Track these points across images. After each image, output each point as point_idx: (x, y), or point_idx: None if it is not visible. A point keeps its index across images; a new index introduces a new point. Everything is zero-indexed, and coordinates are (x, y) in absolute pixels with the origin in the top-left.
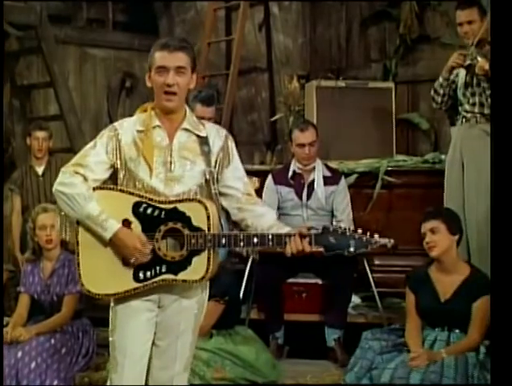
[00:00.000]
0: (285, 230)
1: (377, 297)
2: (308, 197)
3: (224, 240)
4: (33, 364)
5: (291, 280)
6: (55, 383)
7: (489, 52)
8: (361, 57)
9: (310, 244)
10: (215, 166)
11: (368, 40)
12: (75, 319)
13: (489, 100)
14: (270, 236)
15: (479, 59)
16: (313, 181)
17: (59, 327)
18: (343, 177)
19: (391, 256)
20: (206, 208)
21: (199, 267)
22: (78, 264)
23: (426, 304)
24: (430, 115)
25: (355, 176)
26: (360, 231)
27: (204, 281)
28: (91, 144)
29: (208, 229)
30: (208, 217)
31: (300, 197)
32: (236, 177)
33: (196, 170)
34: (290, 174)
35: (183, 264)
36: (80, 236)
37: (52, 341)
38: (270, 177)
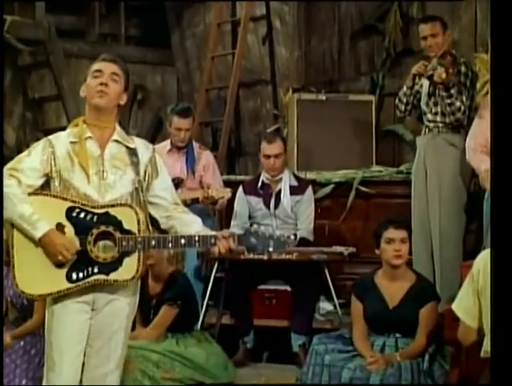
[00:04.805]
0: (210, 233)
1: (337, 303)
2: (276, 206)
3: (153, 242)
4: None
5: (261, 286)
6: (24, 382)
7: (450, 63)
8: (352, 70)
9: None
10: (144, 177)
11: (358, 54)
12: None
13: (448, 108)
14: (196, 238)
15: (438, 68)
16: (280, 191)
17: (32, 332)
18: (310, 187)
19: (366, 264)
20: (136, 213)
21: (129, 267)
22: (13, 265)
23: (374, 311)
24: (415, 126)
25: (331, 186)
26: (278, 233)
27: (135, 280)
28: (25, 152)
29: (139, 232)
30: (139, 221)
31: (268, 207)
32: (164, 187)
33: (126, 178)
34: (259, 184)
35: (114, 265)
36: (14, 237)
37: (22, 343)
38: (240, 187)
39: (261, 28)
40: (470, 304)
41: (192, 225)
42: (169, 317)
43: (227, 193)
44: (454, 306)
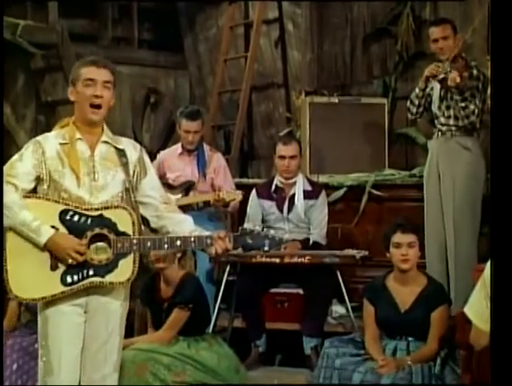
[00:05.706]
0: (206, 233)
1: (349, 306)
2: (289, 211)
3: (149, 244)
4: (14, 366)
5: (273, 290)
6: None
7: (463, 66)
8: (364, 73)
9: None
10: (133, 177)
11: (370, 57)
12: None
13: (462, 112)
14: (192, 238)
15: (452, 72)
16: (294, 195)
17: None
18: (323, 191)
19: (379, 267)
20: (131, 214)
21: (125, 269)
22: (6, 270)
23: (385, 315)
24: (427, 130)
25: (344, 189)
26: (272, 232)
27: (130, 282)
28: (17, 156)
29: (133, 234)
30: (133, 223)
31: (281, 210)
32: (152, 187)
33: (117, 179)
34: (273, 188)
35: (109, 267)
36: (8, 243)
37: (36, 345)
38: (254, 191)
39: (273, 31)
40: (482, 307)
41: (184, 224)
42: (180, 320)
43: (238, 195)
44: (466, 309)
